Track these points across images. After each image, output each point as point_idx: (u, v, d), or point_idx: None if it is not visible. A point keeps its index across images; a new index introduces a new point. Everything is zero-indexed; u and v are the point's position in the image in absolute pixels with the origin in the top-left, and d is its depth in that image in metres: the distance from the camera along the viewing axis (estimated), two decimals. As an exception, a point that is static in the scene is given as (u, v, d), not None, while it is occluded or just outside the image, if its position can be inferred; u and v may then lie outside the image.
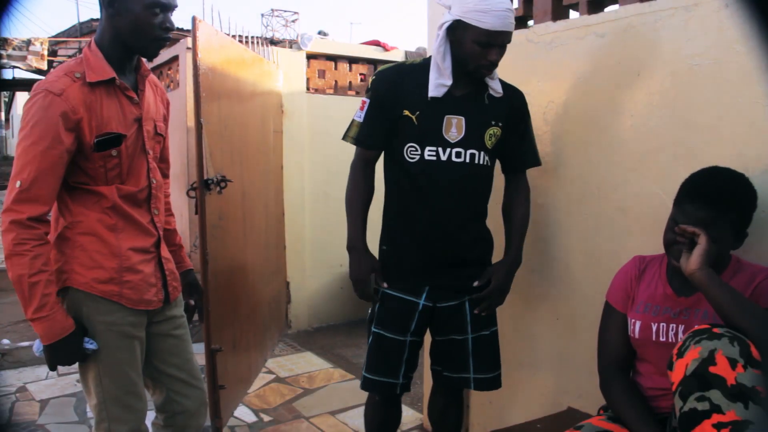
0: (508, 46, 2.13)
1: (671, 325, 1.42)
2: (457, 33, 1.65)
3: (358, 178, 1.84)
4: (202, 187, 2.40)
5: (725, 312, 1.23)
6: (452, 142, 1.72)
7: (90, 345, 1.49)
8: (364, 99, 1.79)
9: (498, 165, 1.89)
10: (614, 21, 1.80)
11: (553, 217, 2.03)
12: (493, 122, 1.75)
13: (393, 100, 1.74)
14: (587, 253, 1.93)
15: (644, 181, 1.74)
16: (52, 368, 1.49)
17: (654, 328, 1.43)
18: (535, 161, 1.88)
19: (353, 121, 1.81)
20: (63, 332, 1.44)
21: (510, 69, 2.10)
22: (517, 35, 2.10)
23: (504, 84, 1.79)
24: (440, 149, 1.72)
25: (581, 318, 1.93)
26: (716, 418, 1.12)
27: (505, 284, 1.85)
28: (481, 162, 1.76)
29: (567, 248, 1.99)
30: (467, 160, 1.73)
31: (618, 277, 1.56)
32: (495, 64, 1.67)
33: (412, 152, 1.74)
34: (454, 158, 1.73)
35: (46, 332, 1.43)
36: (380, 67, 1.83)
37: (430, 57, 1.73)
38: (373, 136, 1.79)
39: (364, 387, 1.87)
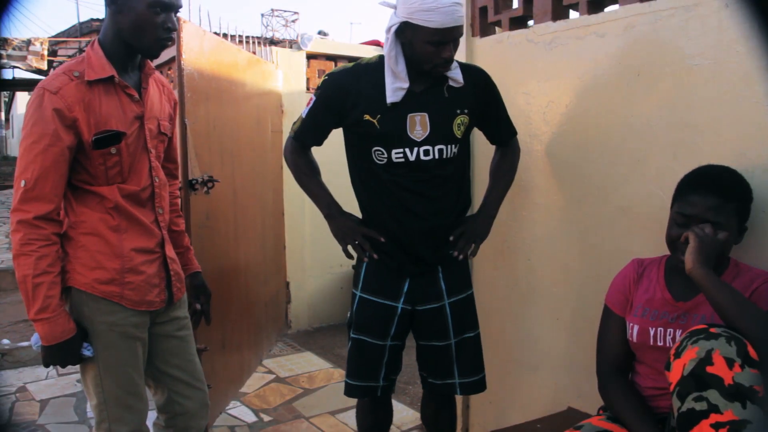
0: (510, 45, 2.14)
1: (668, 330, 1.42)
2: (407, 34, 1.60)
3: (297, 159, 1.86)
4: (187, 188, 2.40)
5: (724, 311, 1.23)
6: (419, 140, 1.69)
7: (87, 351, 1.49)
8: (312, 96, 1.78)
9: (476, 146, 1.89)
10: (614, 21, 1.80)
11: (553, 217, 2.03)
12: (458, 111, 1.72)
13: (348, 106, 1.71)
14: (587, 253, 1.93)
15: (644, 181, 1.74)
16: (46, 365, 1.50)
17: (651, 333, 1.43)
18: (513, 132, 1.89)
19: (300, 115, 1.82)
20: (63, 335, 1.44)
21: (510, 69, 2.10)
22: (517, 35, 2.11)
23: (464, 66, 1.75)
24: (407, 150, 1.70)
25: (581, 318, 1.93)
26: (714, 418, 1.12)
27: (477, 229, 1.82)
28: (450, 155, 1.73)
29: (567, 248, 1.99)
30: (436, 156, 1.71)
31: (616, 281, 1.56)
32: (450, 61, 1.63)
33: (379, 155, 1.72)
34: (422, 157, 1.70)
35: (46, 334, 1.43)
36: (335, 69, 1.79)
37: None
38: (310, 136, 1.82)
39: (346, 393, 1.88)
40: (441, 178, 1.74)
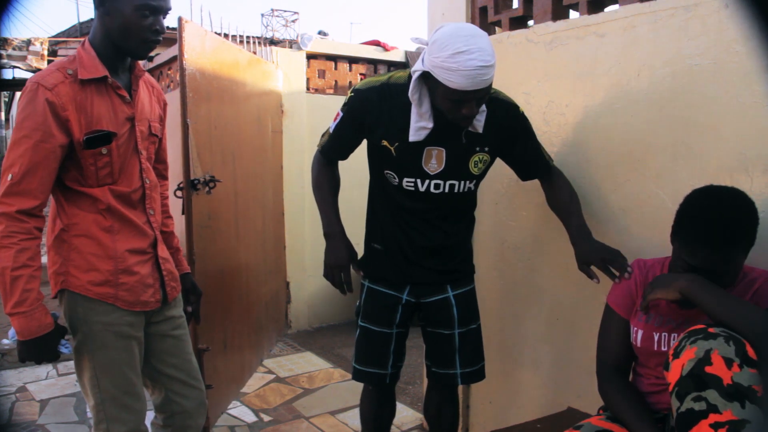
0: (510, 45, 2.14)
1: (672, 335, 1.41)
2: (430, 82, 1.54)
3: (322, 170, 1.87)
4: (189, 188, 2.40)
5: (723, 320, 1.23)
6: (432, 174, 1.70)
7: (65, 349, 1.47)
8: (339, 111, 1.77)
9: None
10: (614, 21, 1.79)
11: (553, 217, 2.02)
12: (477, 149, 1.69)
13: (370, 126, 1.70)
14: (587, 253, 1.92)
15: (644, 181, 1.74)
16: (21, 360, 1.47)
17: (656, 338, 1.43)
18: (548, 163, 1.82)
19: (327, 129, 1.82)
20: (40, 331, 1.42)
21: (510, 69, 2.10)
22: (517, 35, 2.11)
23: (492, 101, 1.67)
24: (418, 180, 1.71)
25: (581, 318, 1.93)
26: (713, 417, 1.12)
27: (596, 244, 1.69)
28: (462, 190, 1.74)
29: (567, 248, 1.98)
30: (446, 191, 1.72)
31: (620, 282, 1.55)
32: (472, 117, 1.56)
33: (390, 178, 1.75)
34: (432, 189, 1.71)
35: (22, 328, 1.41)
36: (363, 83, 1.75)
37: None
38: (336, 152, 1.83)
39: (355, 377, 1.91)
40: (449, 208, 1.77)
